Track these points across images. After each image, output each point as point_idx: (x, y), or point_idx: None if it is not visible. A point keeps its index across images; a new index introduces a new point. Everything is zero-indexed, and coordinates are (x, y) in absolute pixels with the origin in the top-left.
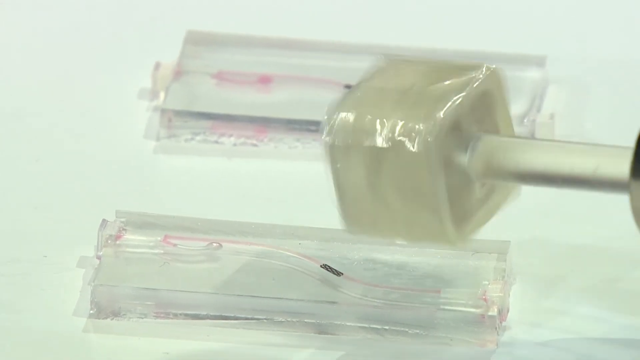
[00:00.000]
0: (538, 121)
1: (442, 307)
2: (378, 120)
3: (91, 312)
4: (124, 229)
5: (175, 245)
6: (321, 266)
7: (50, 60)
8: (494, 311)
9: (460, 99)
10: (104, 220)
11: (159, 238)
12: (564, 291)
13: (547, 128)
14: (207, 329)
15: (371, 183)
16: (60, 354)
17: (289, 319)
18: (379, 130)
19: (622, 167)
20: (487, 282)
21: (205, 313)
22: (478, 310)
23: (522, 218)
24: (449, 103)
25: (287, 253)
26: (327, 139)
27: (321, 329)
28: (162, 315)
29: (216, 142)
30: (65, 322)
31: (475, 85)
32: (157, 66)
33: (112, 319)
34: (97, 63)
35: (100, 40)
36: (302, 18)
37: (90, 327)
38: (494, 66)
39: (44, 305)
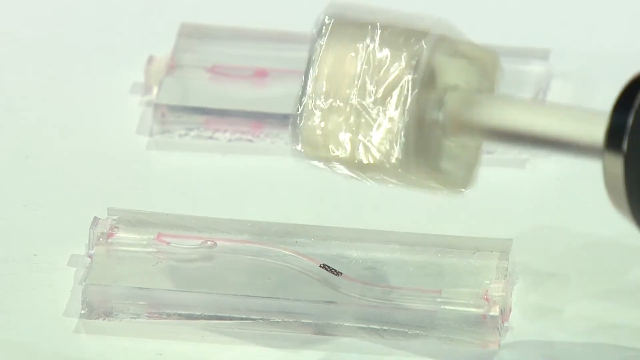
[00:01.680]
0: None
1: (442, 306)
2: (343, 140)
3: (82, 312)
4: (116, 227)
5: (168, 243)
6: (320, 266)
7: (40, 53)
8: (495, 311)
9: (410, 92)
10: (95, 217)
11: (152, 236)
12: (567, 291)
13: None
14: (202, 330)
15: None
16: (50, 355)
17: (285, 319)
18: (348, 151)
19: (596, 134)
20: (488, 282)
21: (199, 313)
22: (480, 310)
23: (525, 216)
24: (403, 106)
25: (284, 251)
26: (300, 149)
27: (319, 330)
28: (155, 315)
29: (210, 137)
30: (55, 322)
31: (423, 60)
32: (150, 60)
33: (104, 319)
34: (89, 57)
35: (92, 33)
36: (299, 10)
37: (82, 327)
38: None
39: (34, 305)
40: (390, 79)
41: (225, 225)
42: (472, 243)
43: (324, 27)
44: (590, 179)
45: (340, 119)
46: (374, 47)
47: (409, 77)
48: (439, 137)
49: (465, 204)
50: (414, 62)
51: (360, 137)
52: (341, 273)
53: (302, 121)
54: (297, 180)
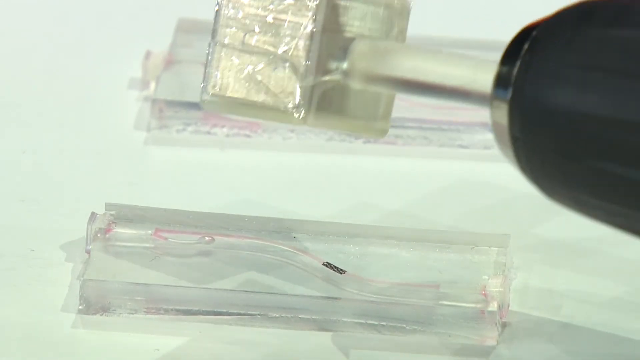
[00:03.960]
0: None
1: (440, 302)
2: (247, 83)
3: (80, 307)
4: (113, 222)
5: (166, 239)
6: (323, 264)
7: (37, 48)
8: (494, 307)
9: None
10: (93, 213)
11: (150, 231)
12: (566, 287)
13: None
14: (199, 325)
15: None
16: (48, 350)
17: (283, 315)
18: (254, 94)
19: (487, 81)
20: (487, 277)
21: (197, 309)
22: (478, 306)
23: (524, 211)
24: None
25: (282, 247)
26: (209, 97)
27: (316, 325)
28: (153, 310)
29: (208, 133)
30: (53, 317)
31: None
32: (148, 55)
33: (101, 315)
34: (86, 52)
35: (89, 28)
36: None
37: (79, 323)
38: None
39: (31, 300)
40: (293, 21)
41: (223, 220)
42: (470, 238)
43: None
44: None
45: (245, 61)
46: None
47: (311, 20)
48: (344, 85)
49: (463, 199)
50: (314, 4)
51: (263, 80)
52: (345, 271)
53: (210, 67)
54: (295, 175)
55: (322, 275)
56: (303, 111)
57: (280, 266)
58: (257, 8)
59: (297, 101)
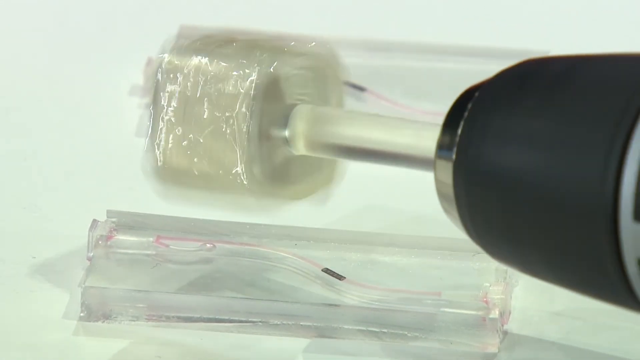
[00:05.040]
0: None
1: (442, 309)
2: (194, 157)
3: (81, 314)
4: (115, 230)
5: (167, 246)
6: (323, 270)
7: (38, 55)
8: (495, 314)
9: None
10: (94, 220)
11: (151, 239)
12: (567, 293)
13: None
14: (201, 332)
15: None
16: (49, 357)
17: (284, 322)
18: (200, 167)
19: (429, 147)
20: (488, 284)
21: (198, 316)
22: (479, 313)
23: None
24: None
25: (283, 254)
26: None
27: (318, 332)
28: (154, 317)
29: None
30: (54, 325)
31: (260, 77)
32: (149, 62)
33: (103, 322)
34: (87, 58)
35: (91, 35)
36: (297, 13)
37: (81, 330)
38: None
39: (32, 307)
40: (234, 90)
41: (224, 227)
42: (471, 245)
43: (170, 47)
44: None
45: (186, 131)
46: (215, 65)
47: (251, 88)
48: (287, 152)
49: None
50: (250, 80)
51: (206, 149)
52: (344, 277)
53: (151, 138)
54: None
55: (322, 281)
56: (246, 178)
57: (282, 273)
58: (198, 77)
59: (239, 169)
